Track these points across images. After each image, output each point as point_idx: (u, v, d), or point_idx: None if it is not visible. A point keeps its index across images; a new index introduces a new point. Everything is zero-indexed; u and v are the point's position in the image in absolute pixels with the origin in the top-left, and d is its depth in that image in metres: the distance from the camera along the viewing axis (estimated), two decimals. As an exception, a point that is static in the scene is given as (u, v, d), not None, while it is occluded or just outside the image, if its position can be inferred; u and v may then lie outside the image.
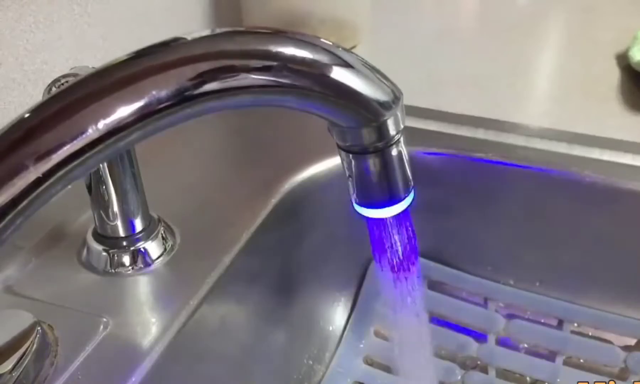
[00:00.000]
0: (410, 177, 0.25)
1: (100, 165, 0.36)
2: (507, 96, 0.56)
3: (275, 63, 0.21)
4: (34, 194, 0.19)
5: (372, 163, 0.24)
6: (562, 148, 0.48)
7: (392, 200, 0.25)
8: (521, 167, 0.48)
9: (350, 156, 0.24)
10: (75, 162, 0.19)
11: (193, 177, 0.47)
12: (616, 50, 0.61)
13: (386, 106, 0.23)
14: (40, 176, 0.19)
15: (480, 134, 0.50)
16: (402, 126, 0.24)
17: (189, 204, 0.44)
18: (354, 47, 0.65)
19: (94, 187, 0.37)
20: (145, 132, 0.20)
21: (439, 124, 0.51)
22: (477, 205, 0.50)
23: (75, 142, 0.19)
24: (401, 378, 0.36)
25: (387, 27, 0.72)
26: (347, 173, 0.25)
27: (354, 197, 0.26)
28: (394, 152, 0.24)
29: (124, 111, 0.19)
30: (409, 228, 0.27)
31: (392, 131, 0.24)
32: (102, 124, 0.19)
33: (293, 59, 0.21)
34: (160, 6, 0.56)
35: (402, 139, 0.24)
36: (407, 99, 0.54)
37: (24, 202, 0.19)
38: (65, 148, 0.19)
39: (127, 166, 0.37)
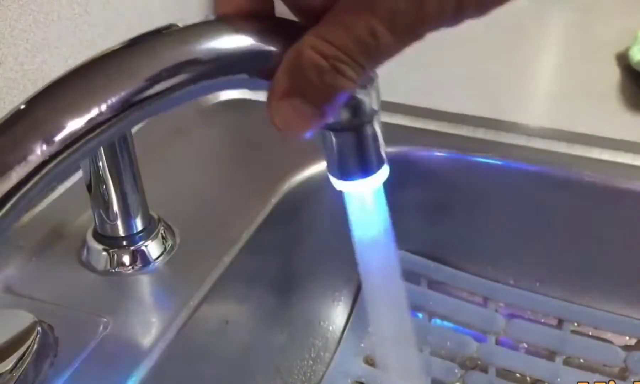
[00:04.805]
0: (384, 155, 0.27)
1: (100, 164, 0.36)
2: (507, 96, 0.56)
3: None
4: (40, 174, 0.19)
5: (349, 139, 0.26)
6: (562, 148, 0.48)
7: (367, 173, 0.27)
8: (521, 167, 0.48)
9: (326, 132, 0.26)
10: (79, 144, 0.19)
11: (193, 177, 0.47)
12: (616, 50, 0.61)
13: (361, 86, 0.25)
14: (47, 158, 0.19)
15: (480, 134, 0.50)
16: (375, 106, 0.25)
17: (189, 204, 0.44)
18: (354, 47, 0.65)
19: (94, 187, 0.37)
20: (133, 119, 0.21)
21: (439, 124, 0.51)
22: (477, 205, 0.50)
23: (79, 123, 0.19)
24: (388, 374, 0.36)
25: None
26: (326, 150, 0.27)
27: (331, 172, 0.28)
28: (369, 130, 0.26)
29: (121, 96, 0.20)
30: (384, 204, 0.28)
31: (367, 110, 0.25)
32: (105, 107, 0.20)
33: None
34: (160, 6, 0.56)
35: (377, 119, 0.26)
36: (407, 99, 0.54)
37: (28, 186, 0.19)
38: (68, 131, 0.19)
39: (127, 165, 0.37)
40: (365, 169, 0.27)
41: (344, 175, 0.27)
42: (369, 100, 0.25)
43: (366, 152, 0.26)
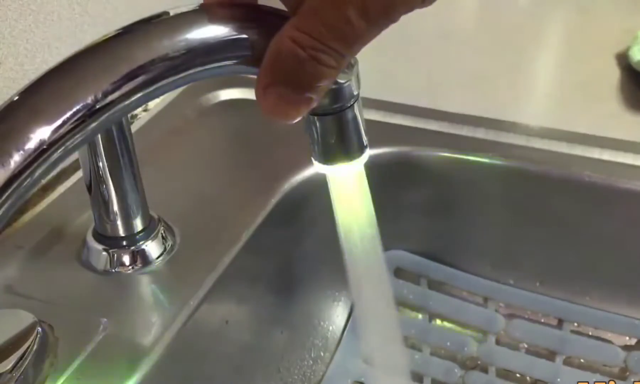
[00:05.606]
0: (366, 139, 0.28)
1: (100, 164, 0.36)
2: (507, 96, 0.56)
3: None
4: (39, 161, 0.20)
5: (331, 123, 0.27)
6: (562, 148, 0.48)
7: (348, 156, 0.28)
8: (521, 167, 0.48)
9: (309, 117, 0.27)
10: (77, 130, 0.20)
11: (193, 177, 0.47)
12: (616, 50, 0.61)
13: (341, 71, 0.25)
14: (45, 147, 0.20)
15: (480, 134, 0.50)
16: (356, 91, 0.26)
17: (189, 204, 0.44)
18: (354, 47, 0.64)
19: (94, 186, 0.37)
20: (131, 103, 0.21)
21: (439, 124, 0.51)
22: (477, 205, 0.50)
23: (76, 111, 0.20)
24: (373, 364, 0.36)
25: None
26: (309, 134, 0.28)
27: (314, 156, 0.28)
28: (350, 114, 0.27)
29: (113, 84, 0.21)
30: (367, 188, 0.29)
31: (347, 94, 0.26)
32: (100, 94, 0.20)
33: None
34: (160, 7, 0.56)
35: (358, 104, 0.27)
36: (407, 99, 0.54)
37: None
38: (66, 116, 0.20)
39: (127, 165, 0.37)
40: (347, 152, 0.27)
41: (326, 159, 0.28)
42: (349, 85, 0.26)
43: (347, 136, 0.27)
